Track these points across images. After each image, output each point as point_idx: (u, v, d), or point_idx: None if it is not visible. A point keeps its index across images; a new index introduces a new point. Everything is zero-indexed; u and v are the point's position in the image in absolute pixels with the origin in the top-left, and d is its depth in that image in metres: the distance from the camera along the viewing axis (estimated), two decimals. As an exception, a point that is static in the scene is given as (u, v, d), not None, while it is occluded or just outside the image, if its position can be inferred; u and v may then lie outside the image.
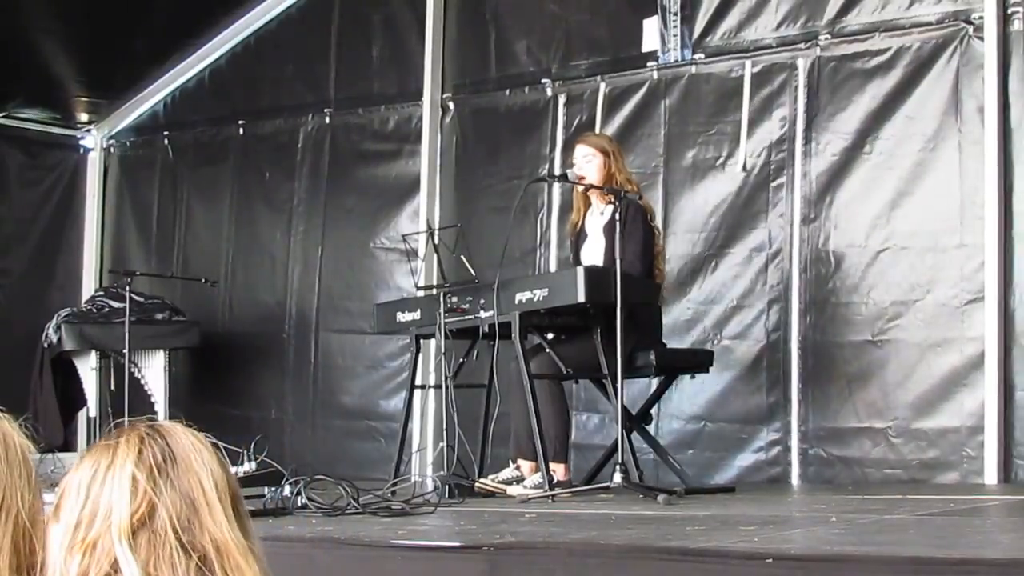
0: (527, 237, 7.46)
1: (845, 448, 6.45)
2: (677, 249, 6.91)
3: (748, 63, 6.91)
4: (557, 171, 7.08)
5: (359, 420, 8.02)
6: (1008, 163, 6.18)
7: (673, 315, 6.82)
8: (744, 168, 6.83)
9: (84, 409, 8.09)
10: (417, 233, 6.91)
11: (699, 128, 7.03)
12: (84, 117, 9.17)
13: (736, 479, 6.58)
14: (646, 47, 7.23)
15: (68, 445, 8.06)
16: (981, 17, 6.26)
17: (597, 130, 7.14)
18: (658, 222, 6.64)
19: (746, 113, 6.87)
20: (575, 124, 7.41)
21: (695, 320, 6.88)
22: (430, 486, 5.52)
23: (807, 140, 6.70)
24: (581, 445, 6.77)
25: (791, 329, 6.64)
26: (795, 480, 6.55)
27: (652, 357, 5.83)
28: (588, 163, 5.94)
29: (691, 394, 6.76)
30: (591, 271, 5.57)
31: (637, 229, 5.78)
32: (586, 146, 6.03)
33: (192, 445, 1.54)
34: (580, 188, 6.05)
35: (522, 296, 5.62)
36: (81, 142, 9.24)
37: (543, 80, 7.59)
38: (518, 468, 5.80)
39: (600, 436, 6.87)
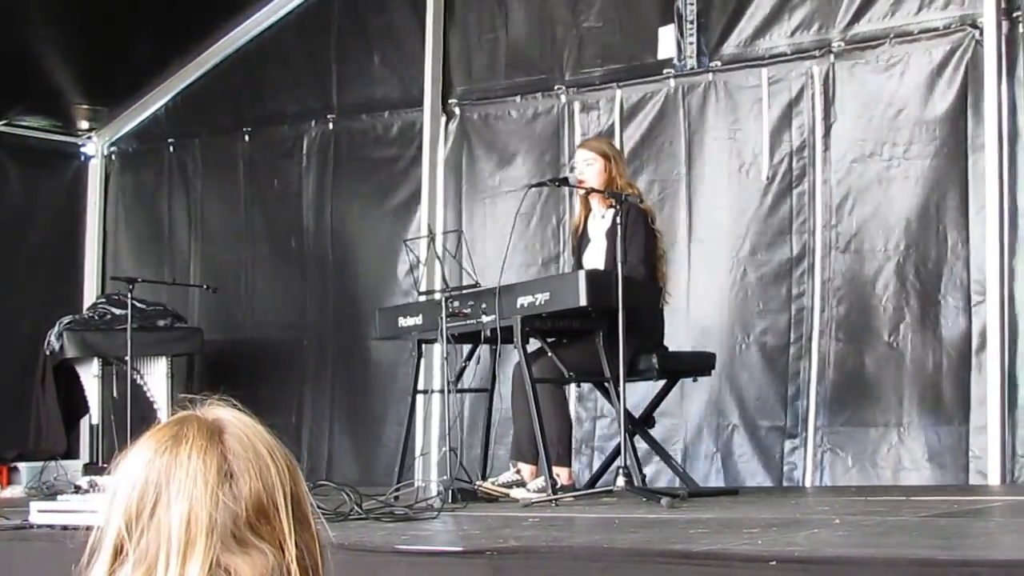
0: (549, 243, 7.48)
1: (860, 449, 6.48)
2: (702, 255, 6.98)
3: (764, 71, 6.93)
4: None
5: (373, 426, 8.03)
6: (1014, 165, 6.18)
7: (696, 319, 6.87)
8: (767, 176, 6.86)
9: (86, 416, 8.09)
10: (418, 238, 6.92)
11: (719, 136, 7.05)
12: (85, 124, 9.17)
13: (755, 481, 6.61)
14: (662, 55, 7.24)
15: (70, 452, 8.08)
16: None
17: (616, 138, 7.17)
18: (682, 229, 6.72)
19: (766, 121, 6.89)
20: (592, 132, 7.41)
21: (719, 324, 6.91)
22: (433, 491, 5.52)
23: (826, 147, 6.73)
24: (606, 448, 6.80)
25: (813, 332, 6.67)
26: (809, 482, 6.57)
27: (654, 361, 5.83)
28: (589, 167, 5.94)
29: (713, 397, 6.79)
30: (592, 275, 5.57)
31: (639, 233, 5.78)
32: (586, 150, 6.03)
33: (185, 474, 1.40)
34: (581, 192, 6.05)
35: (524, 300, 5.62)
36: (82, 149, 9.25)
37: (556, 87, 7.60)
38: (518, 472, 5.80)
39: (606, 440, 6.90)
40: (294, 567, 1.43)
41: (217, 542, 1.39)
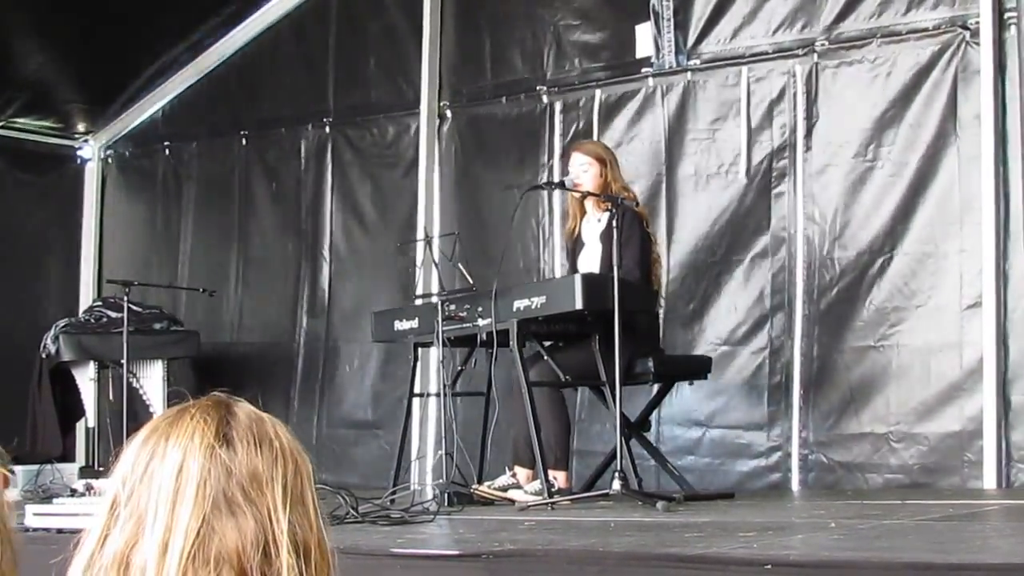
0: (529, 245, 7.47)
1: (846, 453, 6.46)
2: (681, 257, 6.95)
3: (745, 70, 6.91)
4: (555, 179, 7.09)
5: (367, 429, 8.02)
6: (1005, 168, 6.18)
7: (677, 322, 6.85)
8: (746, 176, 6.84)
9: (83, 420, 8.08)
10: (414, 241, 6.92)
11: (699, 136, 7.03)
12: (81, 127, 9.17)
13: (737, 485, 6.58)
14: (639, 53, 7.22)
15: (67, 456, 8.06)
16: (977, 22, 6.27)
17: (595, 138, 7.15)
18: (661, 229, 6.70)
19: (744, 120, 6.88)
20: (572, 132, 7.41)
21: (699, 327, 6.89)
22: (429, 494, 5.52)
23: (807, 147, 6.71)
24: (585, 452, 6.79)
25: (794, 335, 6.65)
26: (795, 486, 6.55)
27: (651, 364, 5.83)
28: (585, 172, 5.95)
29: (694, 400, 6.77)
30: (588, 278, 5.57)
31: (635, 236, 5.78)
32: (582, 154, 6.04)
33: (183, 431, 1.39)
34: (576, 196, 6.05)
35: (520, 304, 5.61)
36: (78, 152, 9.24)
37: (538, 87, 7.59)
38: (514, 475, 5.80)
39: (602, 443, 6.89)
40: (284, 539, 1.39)
41: (209, 497, 1.37)
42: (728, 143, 6.93)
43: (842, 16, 6.65)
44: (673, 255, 6.93)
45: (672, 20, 7.06)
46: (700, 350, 6.74)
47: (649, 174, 7.12)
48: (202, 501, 1.37)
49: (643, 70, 7.21)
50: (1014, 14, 6.19)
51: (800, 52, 6.77)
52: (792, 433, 6.60)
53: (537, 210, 7.45)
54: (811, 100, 6.72)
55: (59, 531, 4.33)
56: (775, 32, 6.85)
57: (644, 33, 7.18)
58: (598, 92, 7.37)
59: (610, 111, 7.32)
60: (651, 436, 6.47)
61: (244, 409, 1.45)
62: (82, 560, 1.40)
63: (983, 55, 6.22)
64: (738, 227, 6.86)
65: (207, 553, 1.35)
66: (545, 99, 7.57)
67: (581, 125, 7.42)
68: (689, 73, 7.08)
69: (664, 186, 7.07)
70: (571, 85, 7.50)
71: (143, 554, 1.36)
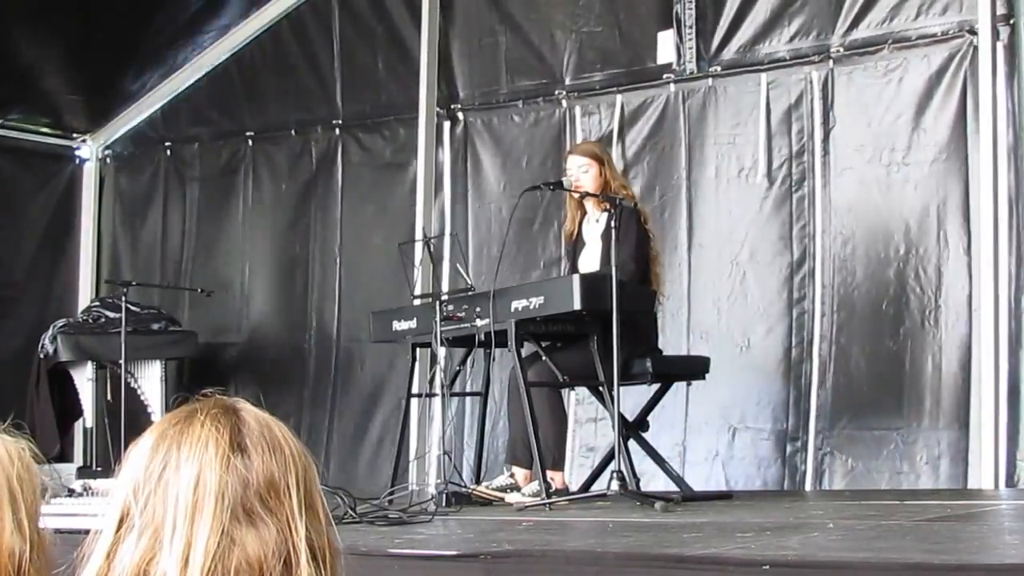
0: (551, 246, 7.48)
1: (860, 452, 6.50)
2: (704, 259, 7.01)
3: (764, 76, 6.96)
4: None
5: (375, 429, 8.02)
6: (1018, 168, 6.20)
7: (697, 324, 6.90)
8: (767, 181, 6.88)
9: (80, 420, 8.08)
10: (413, 242, 6.92)
11: (720, 141, 7.09)
12: (79, 127, 9.16)
13: (757, 484, 6.62)
14: (661, 60, 7.28)
15: (64, 456, 8.06)
16: (986, 27, 6.32)
17: (614, 142, 7.19)
18: (683, 232, 6.72)
19: (764, 126, 6.91)
20: (594, 137, 7.42)
21: (719, 328, 6.94)
22: (427, 494, 5.52)
23: (825, 151, 6.75)
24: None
25: (814, 336, 6.68)
26: (813, 486, 6.60)
27: (648, 364, 5.82)
28: (585, 173, 5.95)
29: (715, 400, 6.80)
30: (587, 278, 5.57)
31: (631, 233, 5.79)
32: (580, 156, 6.05)
33: (196, 440, 1.38)
34: (575, 196, 6.06)
35: (518, 304, 5.61)
36: (77, 152, 9.24)
37: (557, 92, 7.61)
38: (512, 476, 5.80)
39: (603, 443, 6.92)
40: (303, 546, 1.39)
41: (227, 509, 1.36)
42: (748, 148, 6.98)
43: (855, 23, 6.73)
44: (695, 258, 7.00)
45: (694, 28, 7.12)
46: (722, 352, 6.75)
47: (670, 178, 7.17)
48: (221, 513, 1.36)
49: (664, 76, 7.24)
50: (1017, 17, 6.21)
51: (816, 58, 6.81)
52: (810, 433, 6.63)
53: (559, 212, 7.44)
54: (828, 105, 6.77)
55: (57, 531, 4.32)
56: (792, 39, 6.90)
57: (667, 40, 7.23)
58: (619, 97, 7.40)
59: (631, 117, 7.35)
60: (673, 435, 6.52)
61: (251, 413, 1.44)
62: (92, 569, 1.40)
63: (982, 58, 6.28)
64: (759, 230, 6.90)
65: (227, 565, 1.35)
66: (564, 104, 7.60)
67: (603, 129, 7.44)
68: (709, 79, 7.13)
69: (685, 191, 7.12)
70: (591, 90, 7.52)
71: (162, 568, 1.35)
